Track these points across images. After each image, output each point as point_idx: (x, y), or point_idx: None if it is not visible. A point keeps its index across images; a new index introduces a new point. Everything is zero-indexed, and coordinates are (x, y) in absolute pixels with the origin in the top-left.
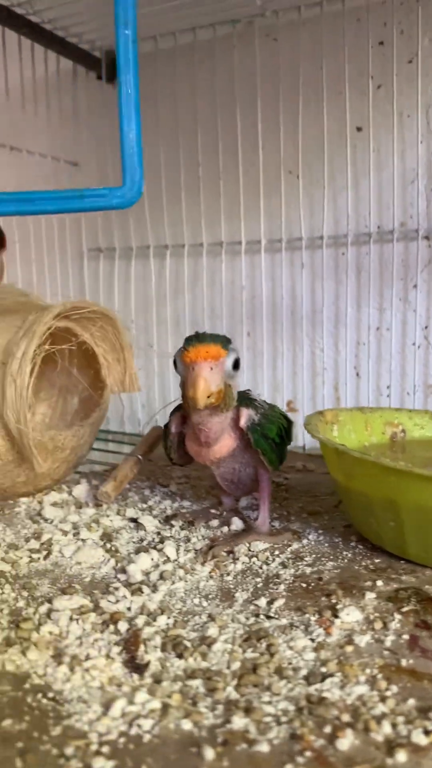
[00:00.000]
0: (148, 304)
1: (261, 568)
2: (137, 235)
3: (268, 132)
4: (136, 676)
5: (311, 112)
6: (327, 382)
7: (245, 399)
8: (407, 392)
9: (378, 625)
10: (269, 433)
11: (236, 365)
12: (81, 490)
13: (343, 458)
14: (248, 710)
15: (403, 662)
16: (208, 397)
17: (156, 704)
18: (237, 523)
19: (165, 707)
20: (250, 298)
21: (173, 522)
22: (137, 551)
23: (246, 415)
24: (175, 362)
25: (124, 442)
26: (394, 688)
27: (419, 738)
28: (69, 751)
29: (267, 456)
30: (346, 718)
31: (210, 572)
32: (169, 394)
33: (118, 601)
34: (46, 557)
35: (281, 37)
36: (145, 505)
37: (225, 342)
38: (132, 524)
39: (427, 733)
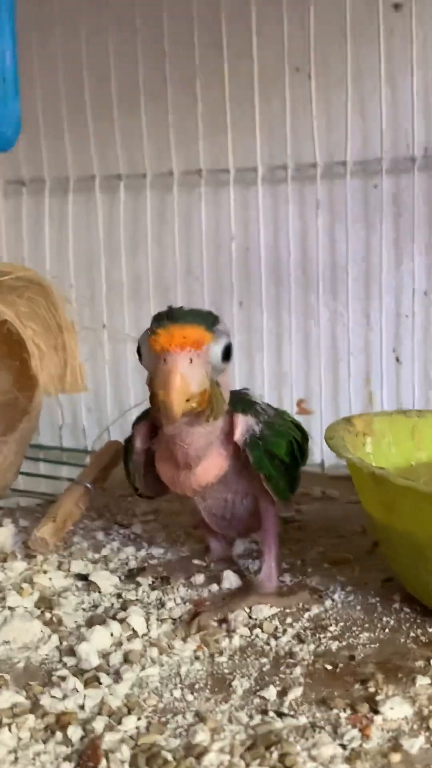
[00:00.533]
0: (93, 261)
1: (268, 643)
2: (77, 160)
3: (267, 12)
4: None
5: None
6: (355, 372)
7: (241, 402)
8: None
9: None
10: (276, 450)
11: (227, 354)
12: (5, 535)
13: (383, 486)
14: None
15: None
16: (187, 400)
17: None
18: (231, 579)
19: None
20: (242, 251)
21: (140, 579)
22: (90, 623)
23: (243, 425)
24: (139, 350)
25: (65, 463)
26: None
27: None
28: None
29: (273, 483)
30: None
31: (195, 651)
32: (129, 394)
33: (65, 696)
34: None
35: None
36: (98, 556)
37: (210, 321)
38: (80, 583)
39: None
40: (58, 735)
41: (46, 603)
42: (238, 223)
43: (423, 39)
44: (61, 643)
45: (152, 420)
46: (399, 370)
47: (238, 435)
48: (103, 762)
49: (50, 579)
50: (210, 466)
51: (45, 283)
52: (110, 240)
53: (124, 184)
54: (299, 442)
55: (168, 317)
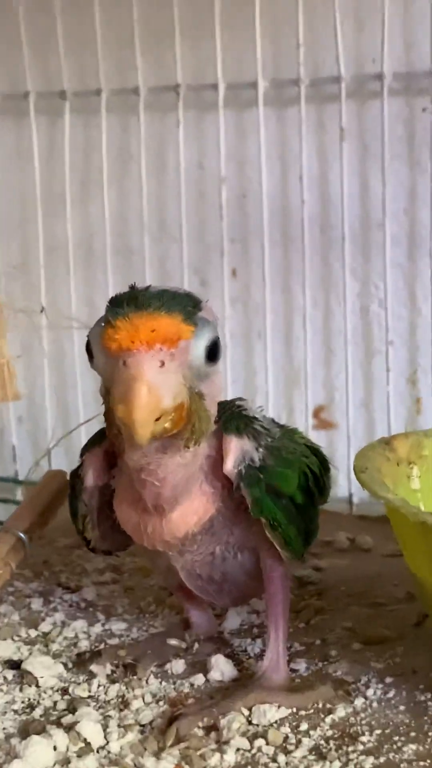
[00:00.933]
0: (27, 214)
1: (275, 760)
2: (4, 73)
3: None
4: None
5: None
6: (395, 370)
7: (235, 419)
8: None
9: None
10: (283, 486)
11: (212, 353)
12: None
13: None
14: None
15: None
16: (158, 419)
17: None
18: (222, 667)
19: None
20: (236, 201)
21: (94, 667)
22: (23, 732)
23: (237, 451)
24: (89, 349)
25: None
26: None
27: None
28: None
29: (280, 532)
30: None
31: None
32: (77, 402)
33: None
34: None
35: None
36: (35, 633)
37: (189, 307)
38: (10, 674)
39: None
40: None
41: None
42: (230, 160)
43: None
44: None
45: (109, 445)
46: None
47: (230, 465)
48: None
49: None
50: (190, 509)
51: None
52: (50, 183)
53: (70, 105)
54: (316, 473)
55: (130, 302)
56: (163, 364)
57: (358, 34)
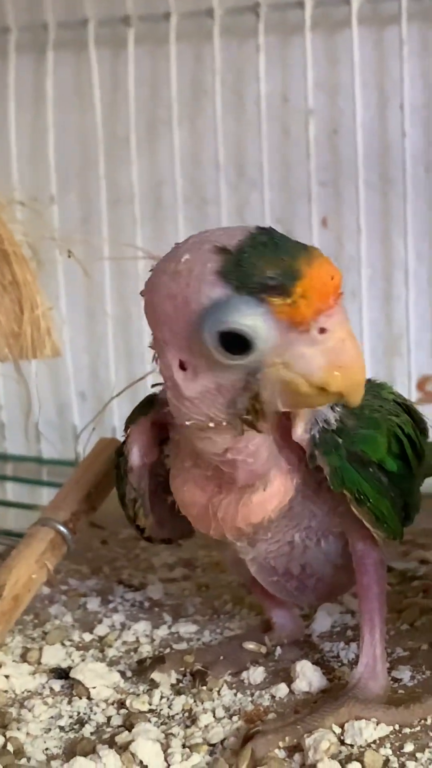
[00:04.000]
0: (86, 159)
1: None
2: None
3: None
4: None
5: None
6: None
7: None
8: None
9: None
10: (369, 452)
11: None
12: None
13: None
14: None
15: None
16: None
17: None
18: (309, 676)
19: None
20: (326, 136)
21: (156, 676)
22: (69, 752)
23: (307, 413)
24: (236, 343)
25: (29, 481)
26: None
27: None
28: None
29: (370, 507)
30: None
31: None
32: (142, 359)
33: None
34: None
35: None
36: (89, 637)
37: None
38: (58, 684)
39: None
40: None
41: (7, 717)
42: (319, 90)
43: None
44: None
45: (158, 416)
46: None
47: (300, 430)
48: None
49: (6, 678)
50: (274, 491)
51: None
52: (113, 124)
53: (135, 32)
54: (411, 434)
55: (297, 256)
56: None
57: None
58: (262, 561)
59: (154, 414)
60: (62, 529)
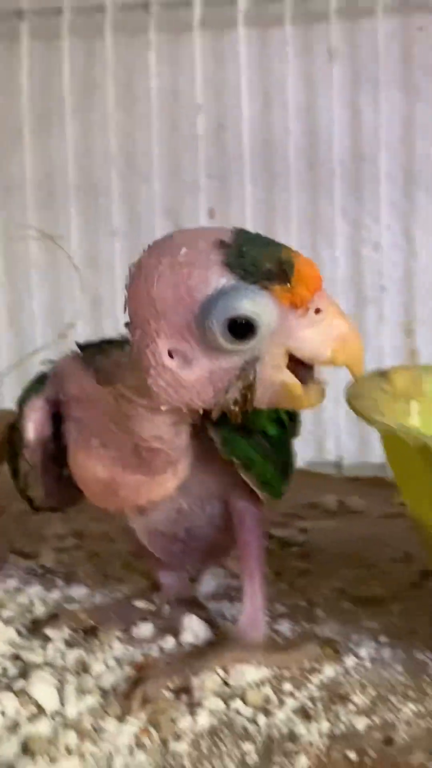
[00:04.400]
0: None
1: (254, 722)
2: None
3: None
4: None
5: None
6: (390, 318)
7: None
8: None
9: None
10: (254, 422)
11: None
12: None
13: None
14: None
15: None
16: None
17: None
18: (195, 629)
19: None
20: (214, 132)
21: (50, 632)
22: None
23: None
24: (240, 328)
25: None
26: None
27: None
28: None
29: (256, 471)
30: None
31: (139, 736)
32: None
33: None
34: None
35: None
36: None
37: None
38: None
39: None
40: None
41: None
42: (207, 86)
43: None
44: None
45: (54, 394)
46: None
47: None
48: None
49: None
50: (183, 467)
51: None
52: (5, 115)
53: (29, 26)
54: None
55: (283, 252)
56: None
57: None
58: (153, 527)
59: (46, 391)
60: None
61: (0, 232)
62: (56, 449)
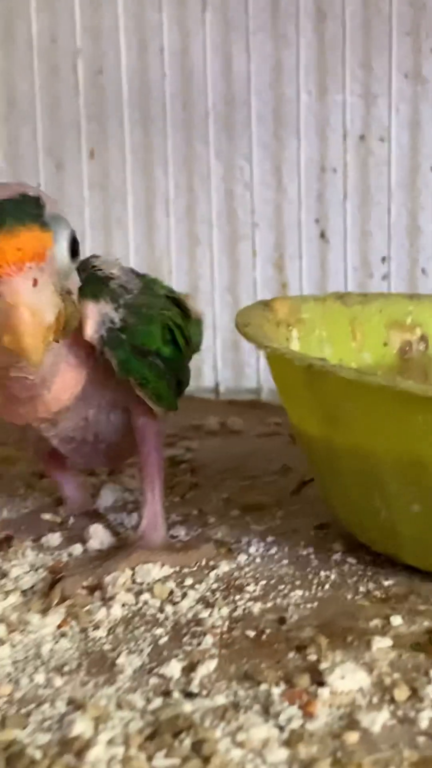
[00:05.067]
0: None
1: (162, 611)
2: None
3: None
4: None
5: None
6: (261, 253)
7: (90, 282)
8: (422, 269)
9: (401, 693)
10: (147, 343)
11: (74, 251)
12: None
13: (323, 385)
14: None
15: None
16: (45, 338)
17: None
18: (101, 536)
19: None
20: (92, 73)
21: None
22: None
23: (95, 316)
24: None
25: None
26: None
27: None
28: None
29: (151, 389)
30: None
31: (60, 627)
32: None
33: None
34: None
35: None
36: None
37: (37, 210)
38: None
39: None
40: None
41: None
42: (85, 32)
43: None
44: None
45: None
46: (325, 250)
47: (90, 331)
48: None
49: None
50: (62, 385)
51: None
52: None
53: None
54: (180, 324)
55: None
56: (35, 282)
57: None
58: (63, 434)
59: None
60: None
61: None
62: None
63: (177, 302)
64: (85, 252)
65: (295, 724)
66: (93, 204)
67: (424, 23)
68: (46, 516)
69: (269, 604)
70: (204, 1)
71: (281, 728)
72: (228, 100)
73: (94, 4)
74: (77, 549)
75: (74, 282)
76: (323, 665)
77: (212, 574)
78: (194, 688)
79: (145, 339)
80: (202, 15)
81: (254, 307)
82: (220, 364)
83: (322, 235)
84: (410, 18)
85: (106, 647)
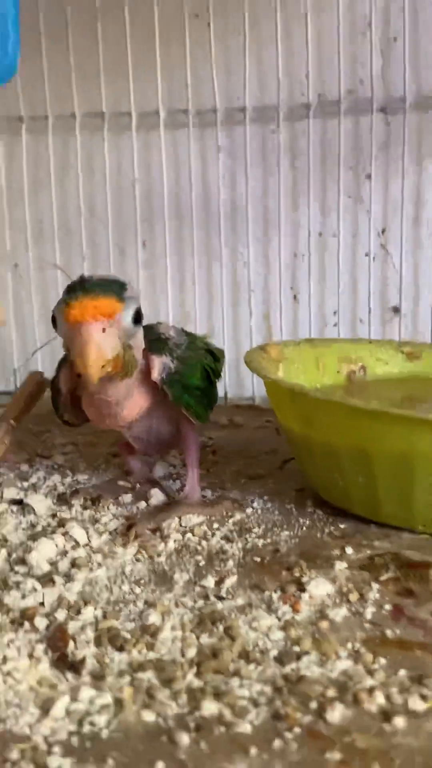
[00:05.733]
0: None
1: (200, 545)
2: None
3: None
4: (71, 674)
5: None
6: (255, 309)
7: (156, 342)
8: (360, 319)
9: (354, 596)
10: (192, 382)
11: (137, 319)
12: None
13: (301, 401)
14: (218, 695)
15: (389, 633)
16: (103, 366)
17: (106, 700)
18: (157, 496)
19: (118, 702)
20: (145, 194)
21: (72, 501)
22: (33, 538)
23: (158, 365)
24: (54, 319)
25: None
26: (382, 661)
27: (416, 704)
28: (14, 755)
29: (192, 409)
30: (332, 693)
31: (135, 555)
32: (33, 331)
33: (25, 595)
34: None
35: None
36: (26, 483)
37: (119, 290)
38: (15, 507)
39: (424, 698)
40: (26, 625)
41: None
42: (141, 166)
43: None
44: (9, 556)
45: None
46: (296, 308)
47: (156, 375)
48: (71, 643)
49: None
50: (133, 406)
51: None
52: (11, 181)
53: (25, 127)
54: (212, 366)
55: (80, 288)
56: (104, 330)
57: (227, 80)
58: (134, 434)
59: (68, 363)
60: (12, 423)
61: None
62: (78, 396)
63: (210, 351)
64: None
65: (288, 616)
66: (144, 277)
67: (361, 160)
68: (121, 482)
69: (268, 540)
70: (218, 146)
71: (279, 618)
72: (233, 208)
73: (146, 146)
74: (142, 504)
75: (137, 340)
76: (304, 579)
77: (230, 521)
78: (223, 593)
79: (190, 379)
80: (217, 155)
81: (255, 350)
82: (228, 381)
83: (295, 298)
84: (353, 156)
85: (166, 567)
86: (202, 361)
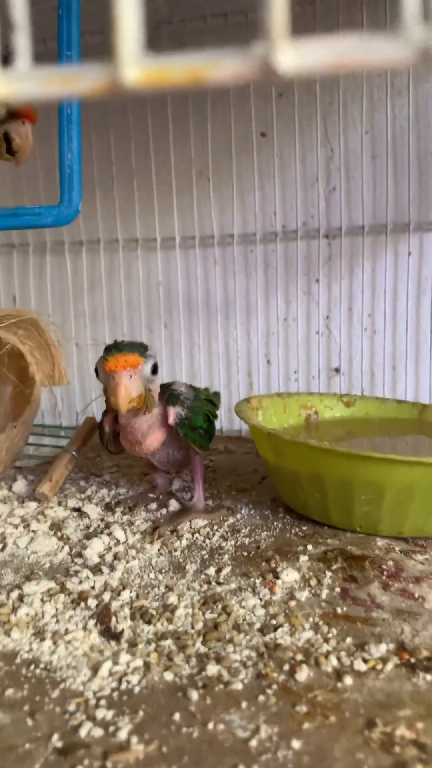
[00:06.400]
0: (64, 298)
1: (204, 542)
2: (52, 231)
3: (179, 135)
4: (113, 642)
5: (219, 118)
6: (241, 368)
7: (171, 396)
8: (312, 376)
9: (313, 582)
10: (197, 424)
11: (154, 370)
12: (20, 486)
13: (274, 440)
14: (218, 659)
15: (338, 610)
16: (130, 402)
17: (138, 663)
18: (174, 505)
19: (146, 665)
20: (166, 292)
21: (116, 508)
22: (87, 537)
23: (173, 414)
24: (96, 371)
25: (60, 436)
26: (334, 631)
27: (360, 666)
28: (71, 707)
29: (197, 443)
30: (299, 657)
31: (159, 550)
32: (91, 387)
33: (81, 582)
34: (2, 549)
35: (188, 43)
36: (83, 495)
37: (142, 349)
38: (75, 513)
39: (365, 661)
40: (82, 604)
41: (56, 527)
42: (162, 274)
43: (281, 156)
44: (71, 551)
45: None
46: (269, 368)
47: (171, 420)
48: (114, 618)
49: (55, 512)
50: (154, 439)
51: (34, 317)
52: (75, 284)
53: (85, 248)
54: (212, 411)
55: (114, 348)
56: (131, 376)
57: (221, 217)
58: (156, 459)
59: (109, 413)
60: (74, 453)
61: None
62: (116, 431)
63: (210, 400)
64: (163, 371)
65: (267, 597)
66: (167, 351)
67: (312, 270)
68: (150, 495)
69: (252, 539)
70: (215, 260)
71: (261, 599)
72: (225, 302)
73: (166, 261)
74: (164, 511)
75: (155, 385)
76: (278, 569)
77: (226, 524)
78: (221, 580)
79: (196, 422)
80: (214, 266)
81: (241, 402)
82: (223, 419)
83: (268, 362)
84: (306, 267)
85: (180, 560)
86: (203, 409)
